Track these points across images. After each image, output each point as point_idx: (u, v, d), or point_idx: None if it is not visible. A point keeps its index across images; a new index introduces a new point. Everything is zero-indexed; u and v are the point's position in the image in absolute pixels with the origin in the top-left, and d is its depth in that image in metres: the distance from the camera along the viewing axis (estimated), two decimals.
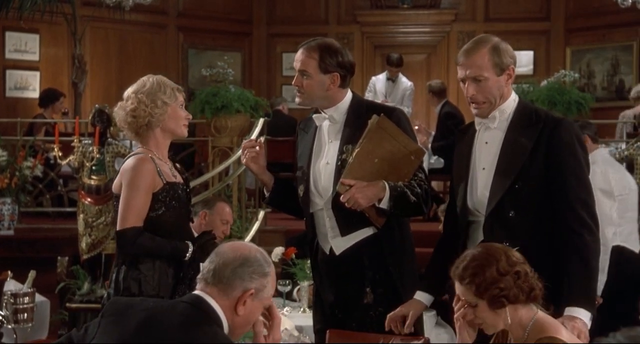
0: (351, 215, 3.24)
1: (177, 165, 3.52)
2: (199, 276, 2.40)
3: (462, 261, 2.51)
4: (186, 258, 3.30)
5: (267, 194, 3.48)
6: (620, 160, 6.29)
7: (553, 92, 7.30)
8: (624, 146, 7.13)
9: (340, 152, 3.31)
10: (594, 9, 11.43)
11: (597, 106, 9.51)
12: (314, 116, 3.41)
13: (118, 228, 3.27)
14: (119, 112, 3.37)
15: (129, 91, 3.37)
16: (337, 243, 3.35)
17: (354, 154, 3.19)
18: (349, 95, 3.39)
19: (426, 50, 12.43)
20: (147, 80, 3.37)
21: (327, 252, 3.38)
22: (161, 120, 3.33)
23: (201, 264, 2.49)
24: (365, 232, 3.33)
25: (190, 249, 3.31)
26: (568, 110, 7.18)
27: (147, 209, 3.26)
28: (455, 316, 2.59)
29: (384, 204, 3.18)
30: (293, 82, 3.34)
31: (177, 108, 3.38)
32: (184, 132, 3.44)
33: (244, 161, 3.38)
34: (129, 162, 3.30)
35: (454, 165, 3.24)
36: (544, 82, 7.59)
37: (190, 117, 3.48)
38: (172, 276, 3.31)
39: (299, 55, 3.33)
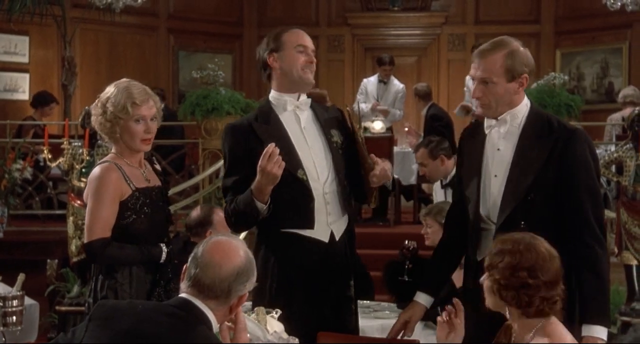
0: (348, 194, 3.34)
1: (156, 166, 3.44)
2: (187, 283, 2.39)
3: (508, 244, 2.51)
4: (161, 261, 3.26)
5: (264, 206, 3.16)
6: (610, 162, 6.30)
7: (543, 95, 7.33)
8: (613, 148, 7.15)
9: (329, 135, 3.35)
10: (584, 12, 11.47)
11: (587, 108, 9.56)
12: (288, 100, 3.33)
13: (85, 241, 3.22)
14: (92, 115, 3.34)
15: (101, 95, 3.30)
16: (337, 227, 3.31)
17: (360, 134, 3.33)
18: None
19: (417, 52, 12.45)
20: (112, 88, 3.26)
21: (327, 241, 3.28)
22: (114, 131, 3.23)
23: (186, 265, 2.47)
24: (349, 216, 3.38)
25: (164, 252, 3.26)
26: (558, 112, 7.20)
27: (114, 219, 3.19)
28: (440, 318, 2.65)
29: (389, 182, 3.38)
30: (310, 60, 3.33)
31: (128, 123, 3.21)
32: (140, 147, 3.26)
33: (274, 169, 3.03)
34: (94, 171, 3.25)
35: (463, 168, 3.21)
36: (534, 85, 7.61)
37: (151, 131, 3.24)
38: (149, 281, 3.25)
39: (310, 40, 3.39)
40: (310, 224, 3.24)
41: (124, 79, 3.32)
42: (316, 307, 3.29)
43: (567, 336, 2.52)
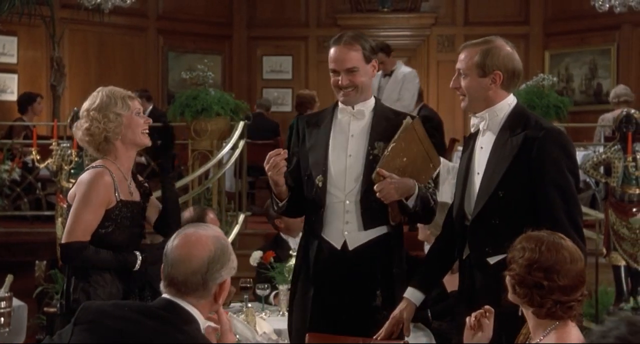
0: (375, 209, 3.30)
1: (140, 178, 3.46)
2: (164, 283, 2.39)
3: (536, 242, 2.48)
4: (136, 269, 3.27)
5: (279, 203, 3.40)
6: (598, 163, 6.32)
7: (532, 96, 7.35)
8: (601, 149, 7.17)
9: (371, 147, 3.34)
10: (572, 13, 11.51)
11: (575, 110, 9.60)
12: (341, 107, 3.41)
13: (63, 241, 3.23)
14: (77, 132, 3.34)
15: (82, 109, 3.33)
16: (353, 238, 3.34)
17: (390, 148, 3.24)
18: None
19: (406, 53, 12.45)
20: (97, 95, 3.32)
21: (339, 248, 3.34)
22: (118, 132, 3.27)
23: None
24: (380, 230, 3.36)
25: (139, 260, 3.27)
26: (546, 114, 7.22)
27: (97, 225, 3.20)
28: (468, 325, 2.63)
29: (410, 201, 3.26)
30: (341, 83, 3.34)
31: (132, 117, 3.30)
32: (144, 140, 3.34)
33: (270, 172, 3.22)
34: (86, 174, 3.26)
35: (458, 169, 3.28)
36: (523, 86, 7.63)
37: (151, 121, 3.38)
38: (122, 287, 3.26)
39: (342, 53, 3.34)
40: (319, 229, 3.37)
41: (99, 88, 3.36)
42: (330, 310, 3.34)
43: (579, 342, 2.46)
